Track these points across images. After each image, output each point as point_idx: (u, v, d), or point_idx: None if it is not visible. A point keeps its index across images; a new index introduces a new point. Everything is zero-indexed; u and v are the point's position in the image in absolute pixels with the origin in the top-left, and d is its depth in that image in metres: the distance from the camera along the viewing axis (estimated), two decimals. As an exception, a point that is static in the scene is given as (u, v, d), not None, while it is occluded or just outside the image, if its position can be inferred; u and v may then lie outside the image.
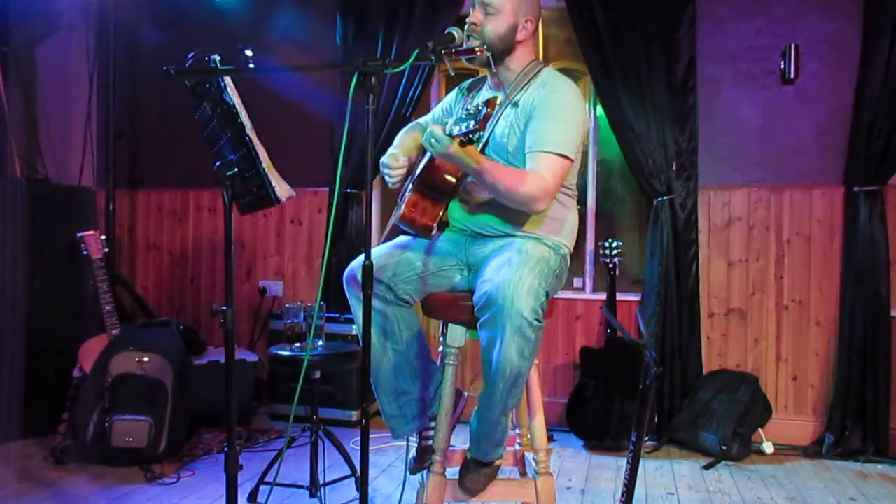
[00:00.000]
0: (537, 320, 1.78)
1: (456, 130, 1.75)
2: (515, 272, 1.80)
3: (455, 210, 2.13)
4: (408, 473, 2.13)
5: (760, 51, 3.62)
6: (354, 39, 4.02)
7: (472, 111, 1.72)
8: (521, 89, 2.06)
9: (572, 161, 1.99)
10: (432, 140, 1.78)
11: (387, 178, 2.15)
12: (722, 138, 3.69)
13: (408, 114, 3.89)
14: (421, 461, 2.11)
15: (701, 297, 3.67)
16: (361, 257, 2.02)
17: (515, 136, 2.02)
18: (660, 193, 3.64)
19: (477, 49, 2.01)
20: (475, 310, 1.86)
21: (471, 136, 1.72)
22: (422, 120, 2.41)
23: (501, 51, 2.05)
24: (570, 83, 2.06)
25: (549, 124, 1.97)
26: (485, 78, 2.21)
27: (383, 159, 2.15)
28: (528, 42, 2.09)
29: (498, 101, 1.71)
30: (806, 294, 3.61)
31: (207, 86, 1.77)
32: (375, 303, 2.02)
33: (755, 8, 3.63)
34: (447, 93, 2.35)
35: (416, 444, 2.17)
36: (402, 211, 2.11)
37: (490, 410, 1.91)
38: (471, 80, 2.30)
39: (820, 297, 3.59)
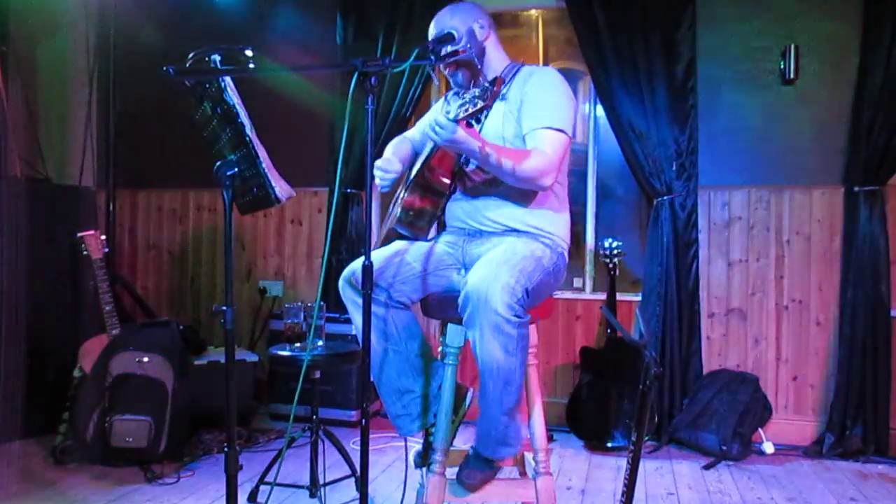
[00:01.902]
0: (516, 316, 1.79)
1: (462, 113, 1.76)
2: (492, 270, 1.82)
3: (453, 209, 2.15)
4: (408, 472, 2.13)
5: (760, 51, 3.62)
6: (354, 39, 4.02)
7: (477, 92, 1.73)
8: (506, 85, 2.11)
9: (570, 138, 2.03)
10: (437, 128, 1.80)
11: (379, 181, 2.17)
12: (722, 138, 3.69)
13: (408, 114, 3.89)
14: (427, 456, 2.12)
15: (701, 297, 3.67)
16: (353, 264, 2.04)
17: (511, 124, 2.06)
18: (660, 193, 3.64)
19: (459, 50, 2.05)
20: (458, 309, 1.87)
21: (479, 115, 1.72)
22: (408, 134, 2.44)
23: (476, 56, 2.11)
24: (553, 70, 2.13)
25: (543, 104, 2.02)
26: (468, 86, 2.23)
27: (378, 162, 2.18)
28: (491, 40, 2.16)
29: (504, 80, 1.72)
30: (806, 294, 3.61)
31: (207, 86, 1.77)
32: (374, 309, 2.03)
33: (755, 8, 3.63)
34: (448, 91, 2.36)
35: (422, 440, 2.18)
36: (398, 215, 2.12)
37: (487, 408, 1.92)
38: (454, 90, 2.31)
39: (820, 296, 3.59)
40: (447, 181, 2.10)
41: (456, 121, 1.77)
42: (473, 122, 1.79)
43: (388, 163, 2.17)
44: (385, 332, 2.08)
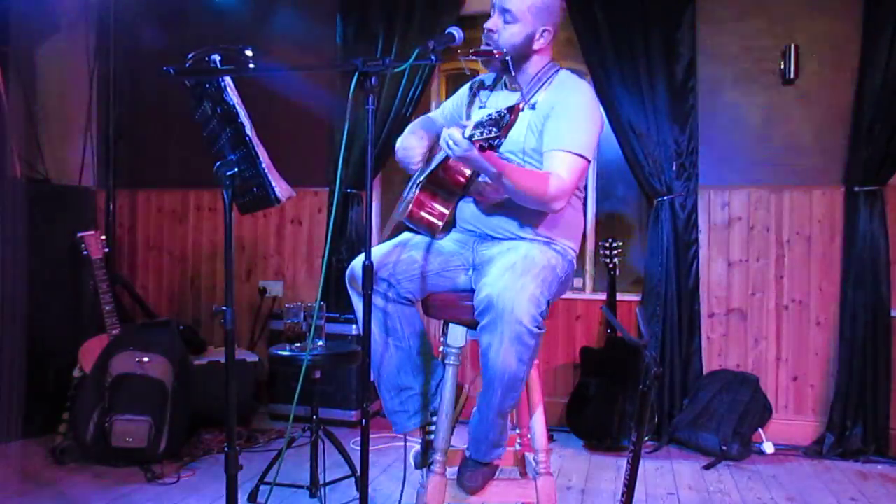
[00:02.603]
0: (537, 327, 1.79)
1: (477, 134, 1.72)
2: (518, 279, 1.81)
3: (465, 211, 2.13)
4: (408, 472, 2.13)
5: (760, 51, 3.63)
6: (354, 39, 4.02)
7: (494, 116, 1.68)
8: (538, 91, 2.06)
9: (589, 161, 1.99)
10: (450, 142, 1.76)
11: (407, 160, 2.13)
12: (722, 138, 3.69)
13: (408, 114, 3.89)
14: (426, 456, 2.12)
15: (701, 297, 3.67)
16: (362, 256, 2.02)
17: (533, 136, 2.02)
18: (660, 193, 3.64)
19: (495, 52, 2.01)
20: (475, 313, 1.86)
21: (492, 142, 1.69)
22: (432, 115, 2.39)
23: (517, 58, 2.05)
24: (586, 85, 2.06)
25: (567, 124, 1.96)
26: (500, 76, 2.21)
27: (401, 142, 2.15)
28: (544, 50, 2.08)
29: (521, 108, 1.68)
30: (806, 294, 3.61)
31: (207, 86, 1.77)
32: (377, 300, 2.03)
33: (755, 8, 3.63)
34: (447, 93, 2.36)
35: (420, 440, 2.18)
36: (410, 209, 2.10)
37: (487, 411, 1.93)
38: (484, 76, 2.29)
39: (820, 297, 3.59)
40: (463, 180, 2.07)
41: (471, 139, 1.73)
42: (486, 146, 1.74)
43: (407, 139, 2.14)
44: (386, 326, 2.07)
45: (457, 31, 1.97)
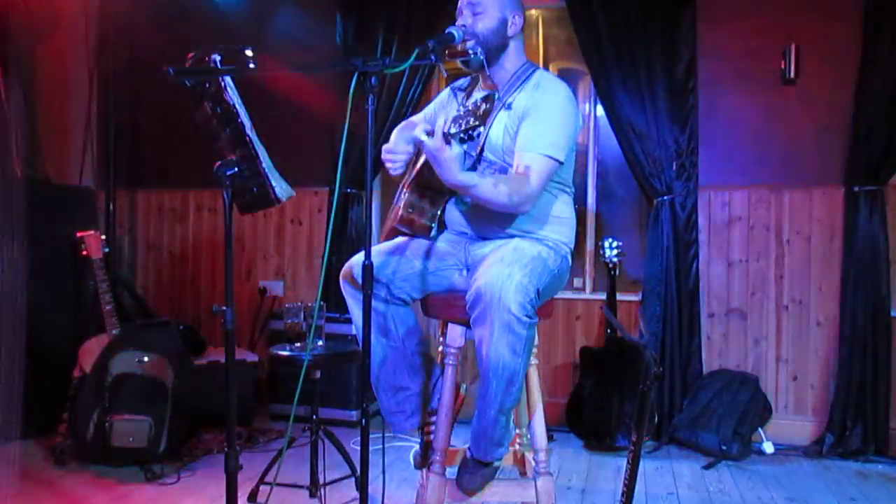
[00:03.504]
0: (527, 316, 1.79)
1: (454, 129, 1.74)
2: (505, 269, 1.82)
3: (452, 214, 2.13)
4: (407, 472, 2.12)
5: (760, 51, 3.62)
6: (354, 39, 4.03)
7: (470, 108, 1.71)
8: (515, 91, 2.07)
9: (560, 163, 2.00)
10: (425, 139, 1.79)
11: (389, 166, 2.18)
12: (722, 138, 3.69)
13: (408, 114, 3.89)
14: (426, 456, 2.12)
15: (701, 297, 3.67)
16: (358, 255, 2.03)
17: (510, 137, 2.03)
18: (660, 193, 3.64)
19: (470, 51, 2.02)
20: (466, 307, 1.87)
21: (471, 132, 1.71)
22: (415, 119, 2.42)
23: (496, 48, 2.06)
24: (562, 85, 2.07)
25: (540, 126, 1.98)
26: (478, 78, 2.22)
27: (385, 147, 2.20)
28: (518, 38, 2.11)
29: (495, 98, 1.70)
30: (806, 294, 3.61)
31: (207, 85, 1.77)
32: (372, 302, 2.03)
33: (755, 8, 3.63)
34: (454, 80, 2.35)
35: (419, 440, 2.18)
36: (399, 213, 2.11)
37: (486, 408, 1.91)
38: (463, 79, 2.30)
39: (820, 297, 3.59)
40: None
41: (449, 133, 1.74)
42: (459, 141, 1.76)
43: (395, 144, 2.19)
44: (384, 328, 2.08)
45: (456, 31, 1.98)
